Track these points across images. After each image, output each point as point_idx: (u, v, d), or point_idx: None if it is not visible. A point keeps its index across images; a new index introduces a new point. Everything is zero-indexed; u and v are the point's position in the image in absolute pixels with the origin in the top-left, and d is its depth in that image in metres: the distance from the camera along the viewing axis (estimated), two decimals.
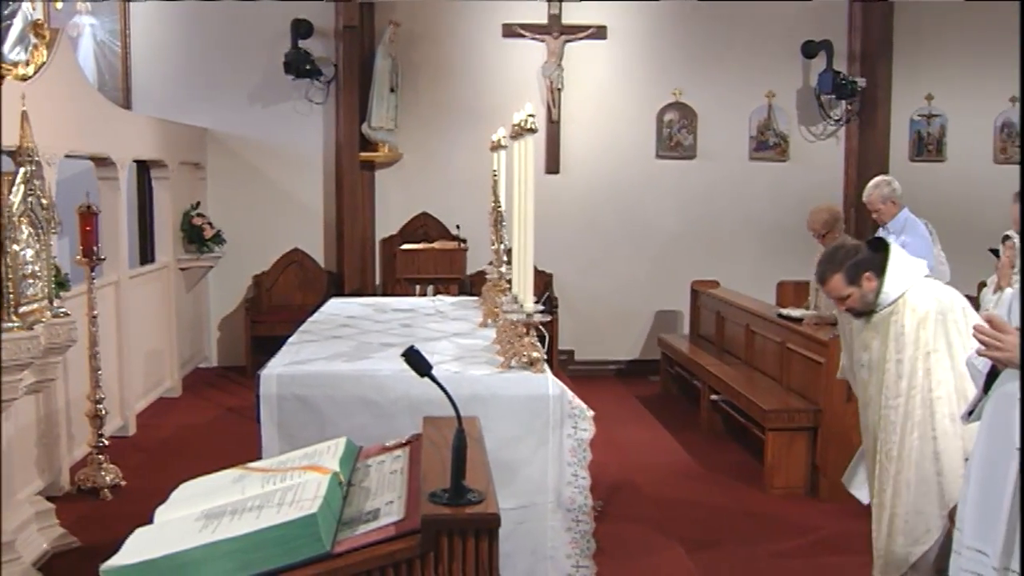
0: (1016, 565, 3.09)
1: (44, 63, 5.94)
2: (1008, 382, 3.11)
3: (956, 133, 10.74)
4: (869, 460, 4.43)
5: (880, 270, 4.18)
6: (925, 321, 4.09)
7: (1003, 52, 10.51)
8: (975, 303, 7.50)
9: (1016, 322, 3.23)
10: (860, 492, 4.70)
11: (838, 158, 10.62)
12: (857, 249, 4.25)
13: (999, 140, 10.76)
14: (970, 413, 3.40)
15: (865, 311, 4.24)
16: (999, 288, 6.37)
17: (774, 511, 6.21)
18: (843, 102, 10.44)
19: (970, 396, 3.59)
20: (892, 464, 4.15)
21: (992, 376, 3.25)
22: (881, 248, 4.25)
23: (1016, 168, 10.36)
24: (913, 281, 4.18)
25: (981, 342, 3.11)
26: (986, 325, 3.10)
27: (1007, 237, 5.79)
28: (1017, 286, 3.35)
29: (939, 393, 4.05)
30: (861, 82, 10.17)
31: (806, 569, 5.33)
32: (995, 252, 6.97)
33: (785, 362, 7.16)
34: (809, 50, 10.40)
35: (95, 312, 6.31)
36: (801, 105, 10.58)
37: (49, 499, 5.65)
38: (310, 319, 5.94)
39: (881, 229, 6.75)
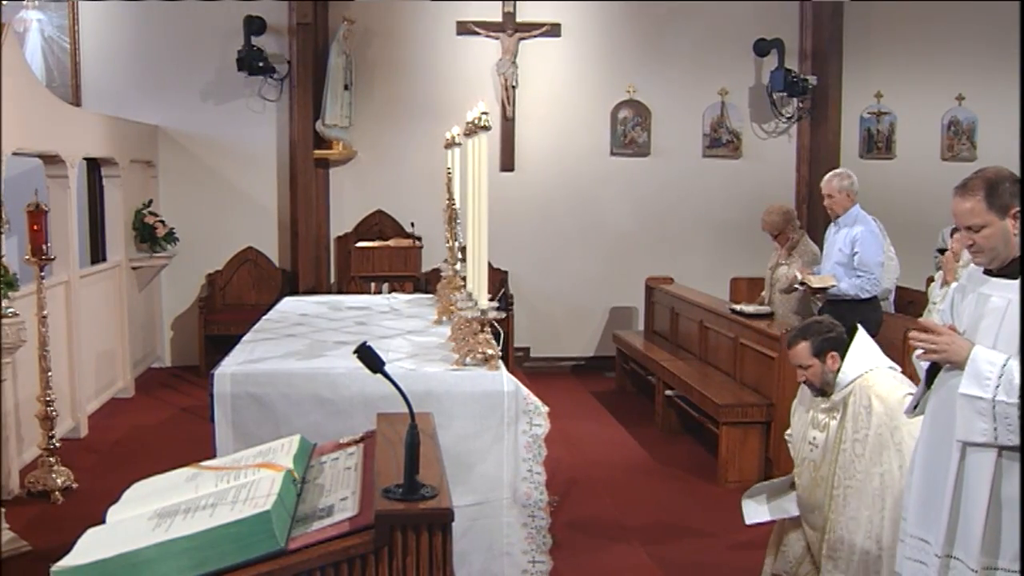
0: (958, 552, 3.17)
1: None
2: (950, 377, 3.19)
3: (905, 131, 10.91)
4: (815, 537, 4.34)
5: (840, 350, 4.19)
6: (894, 411, 3.99)
7: (950, 51, 10.72)
8: (923, 298, 7.65)
9: (958, 315, 3.31)
10: (754, 509, 4.65)
11: (790, 155, 10.74)
12: (833, 328, 4.27)
13: (946, 138, 10.95)
14: (915, 408, 3.48)
15: (821, 390, 4.24)
16: (945, 283, 6.50)
17: (728, 504, 6.26)
18: (795, 100, 10.56)
19: None
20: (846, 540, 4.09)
21: (933, 371, 3.33)
22: (852, 333, 4.28)
23: (962, 165, 10.53)
24: (873, 366, 4.17)
25: (918, 347, 3.22)
26: (924, 332, 3.20)
27: (955, 230, 5.90)
28: (962, 279, 3.42)
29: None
30: (812, 80, 10.29)
31: (758, 559, 5.39)
32: (942, 251, 7.10)
33: (738, 357, 7.24)
34: (761, 48, 10.51)
35: (45, 312, 6.22)
36: (753, 103, 10.69)
37: None
38: (264, 318, 5.91)
39: (832, 224, 6.85)
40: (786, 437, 4.71)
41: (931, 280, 7.42)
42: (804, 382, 4.29)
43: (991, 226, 3.12)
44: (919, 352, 3.26)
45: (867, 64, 10.67)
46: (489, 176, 4.50)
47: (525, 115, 10.36)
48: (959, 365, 3.11)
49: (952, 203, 3.21)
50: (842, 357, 4.18)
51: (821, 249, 7.20)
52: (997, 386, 3.01)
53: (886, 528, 3.91)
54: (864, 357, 4.21)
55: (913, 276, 8.62)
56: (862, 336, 4.26)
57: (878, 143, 10.90)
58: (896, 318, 7.36)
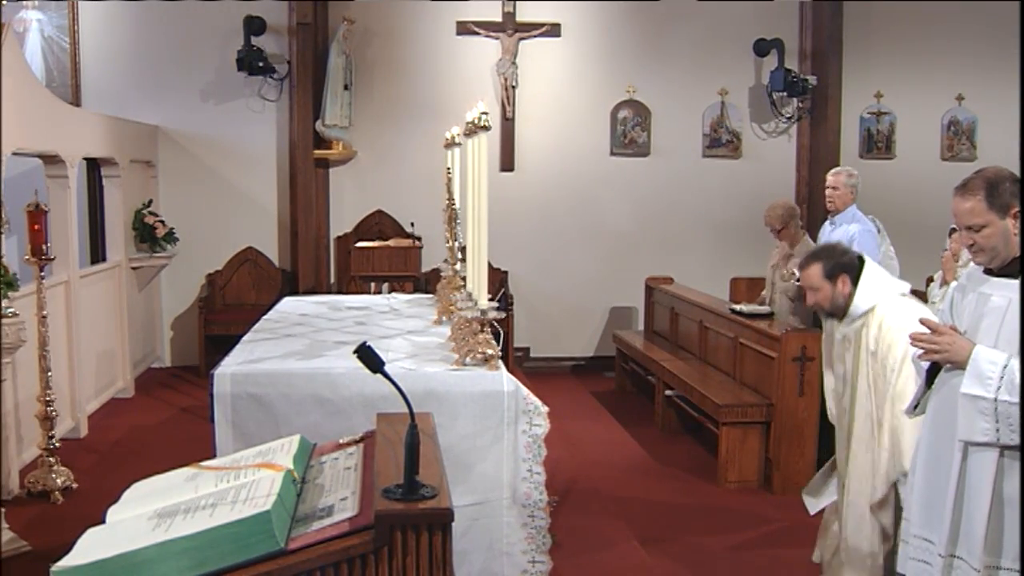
0: (961, 551, 3.17)
1: None
2: (951, 377, 3.19)
3: (904, 131, 10.91)
4: (841, 468, 4.47)
5: (856, 279, 4.23)
6: (894, 343, 4.06)
7: (950, 51, 10.72)
8: (923, 297, 7.65)
9: (958, 315, 3.32)
10: (812, 501, 4.77)
11: (790, 155, 10.74)
12: (845, 252, 4.32)
13: (946, 138, 10.95)
14: (915, 407, 3.48)
15: (833, 313, 4.30)
16: (945, 282, 6.51)
17: (728, 504, 6.28)
18: (794, 100, 10.56)
19: None
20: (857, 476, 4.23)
21: (933, 371, 3.34)
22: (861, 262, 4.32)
23: (962, 165, 10.53)
24: (886, 296, 4.20)
25: (919, 347, 3.22)
26: (925, 331, 3.20)
27: (954, 230, 5.91)
28: (962, 279, 3.42)
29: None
30: (812, 80, 10.29)
31: (760, 561, 5.39)
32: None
33: (738, 357, 7.23)
34: (761, 48, 10.51)
35: (45, 312, 6.22)
36: (753, 103, 10.69)
37: None
38: (264, 318, 5.91)
39: (828, 223, 6.87)
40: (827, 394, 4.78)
41: (931, 280, 7.42)
42: (814, 305, 4.36)
43: (991, 226, 3.13)
44: (919, 352, 3.27)
45: (867, 64, 10.67)
46: (489, 176, 4.50)
47: (525, 115, 10.35)
48: (960, 365, 3.11)
49: (952, 203, 3.21)
50: (854, 283, 4.21)
51: None
52: (999, 386, 3.01)
53: (882, 466, 4.09)
54: (875, 288, 4.23)
55: (913, 276, 8.58)
56: (871, 265, 4.30)
57: (878, 143, 10.90)
58: None
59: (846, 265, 4.26)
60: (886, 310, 4.14)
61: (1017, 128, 10.42)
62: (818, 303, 4.31)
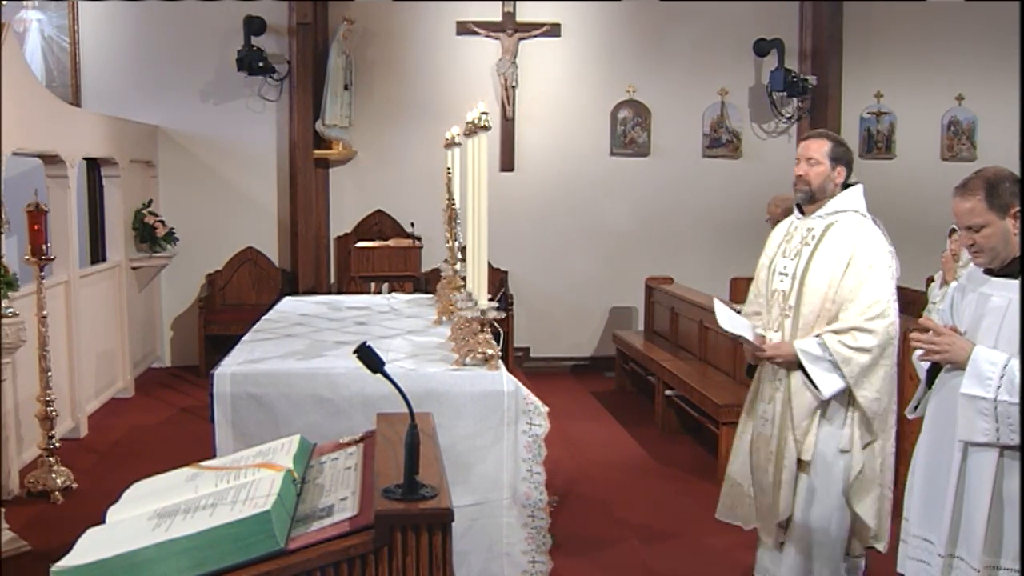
0: (961, 551, 3.17)
1: None
2: (951, 377, 3.20)
3: (904, 131, 10.91)
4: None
5: (847, 180, 4.27)
6: (873, 250, 4.15)
7: (950, 51, 10.72)
8: (923, 298, 7.64)
9: (959, 315, 3.32)
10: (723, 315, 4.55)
11: (790, 155, 10.60)
12: (851, 152, 4.33)
13: (946, 138, 10.95)
14: (915, 408, 3.49)
15: (813, 196, 4.26)
16: (945, 282, 6.50)
17: None
18: (794, 100, 10.56)
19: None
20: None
21: (934, 371, 3.34)
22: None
23: (962, 165, 10.53)
24: (865, 213, 4.26)
25: (919, 347, 3.22)
26: (927, 332, 3.21)
27: (953, 230, 5.91)
28: (962, 279, 3.43)
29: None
30: (812, 80, 10.29)
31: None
32: None
33: (738, 357, 7.22)
34: (761, 48, 10.51)
35: (45, 312, 6.22)
36: (753, 103, 10.69)
37: None
38: (264, 318, 5.91)
39: None
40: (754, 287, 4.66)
41: (931, 280, 7.41)
42: (800, 177, 4.28)
43: (991, 226, 3.13)
44: (920, 353, 3.28)
45: (867, 64, 10.67)
46: (489, 176, 4.50)
47: (525, 115, 10.36)
48: (960, 365, 3.12)
49: (952, 203, 3.21)
50: (847, 174, 4.26)
51: None
52: (999, 386, 3.01)
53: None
54: (859, 200, 4.28)
55: (913, 276, 8.60)
56: (860, 189, 4.32)
57: (878, 143, 10.91)
58: None
59: (850, 162, 4.30)
60: (864, 224, 4.19)
61: (1017, 128, 10.41)
62: (807, 176, 4.25)
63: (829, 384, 4.08)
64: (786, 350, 4.15)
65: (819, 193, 4.26)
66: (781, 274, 4.34)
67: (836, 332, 4.08)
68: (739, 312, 4.47)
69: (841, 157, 4.24)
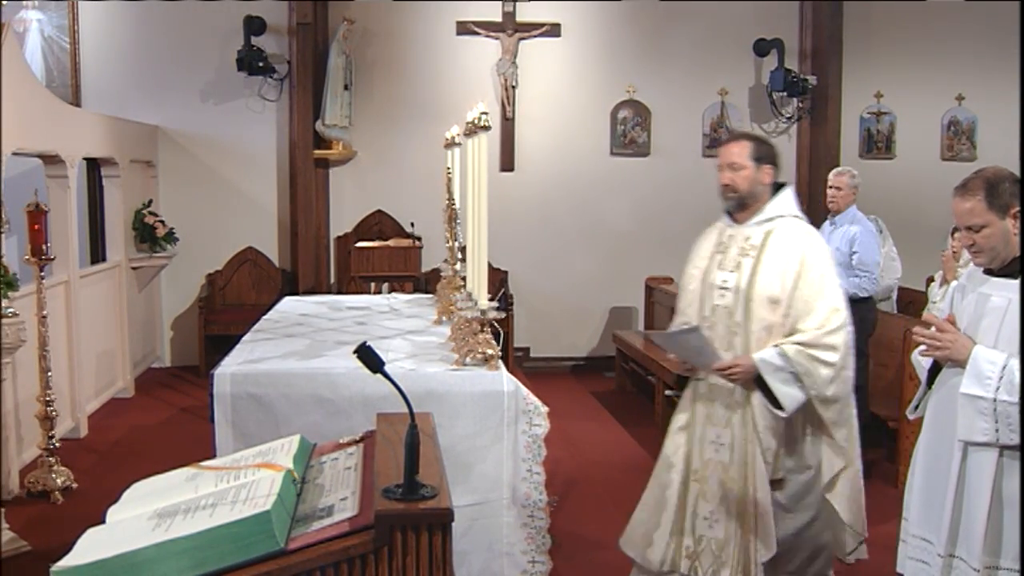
0: (961, 552, 3.17)
1: None
2: (951, 377, 3.20)
3: (904, 131, 10.91)
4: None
5: (776, 177, 4.09)
6: (822, 256, 3.96)
7: (950, 51, 10.72)
8: (923, 298, 7.66)
9: (958, 315, 3.32)
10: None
11: (790, 155, 10.73)
12: (776, 151, 4.14)
13: (946, 138, 10.95)
14: (916, 407, 3.49)
15: (743, 202, 4.06)
16: (945, 282, 6.51)
17: None
18: (794, 100, 10.56)
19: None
20: None
21: (934, 371, 3.34)
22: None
23: (962, 165, 10.53)
24: (793, 213, 4.08)
25: (923, 343, 3.22)
26: (930, 327, 3.21)
27: (955, 230, 5.91)
28: (962, 279, 3.43)
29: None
30: (812, 80, 10.29)
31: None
32: None
33: None
34: (761, 48, 10.51)
35: (45, 312, 6.22)
36: (753, 102, 10.69)
37: None
38: (264, 318, 5.91)
39: (828, 224, 6.87)
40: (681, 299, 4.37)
41: (931, 280, 7.42)
42: (727, 186, 4.07)
43: (991, 226, 3.13)
44: (922, 348, 3.27)
45: (867, 64, 10.67)
46: (489, 176, 4.50)
47: (525, 115, 10.36)
48: (961, 364, 3.11)
49: (952, 203, 3.21)
50: (775, 175, 4.09)
51: None
52: (998, 386, 3.01)
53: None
54: (791, 202, 4.11)
55: (913, 276, 8.63)
56: (791, 191, 4.17)
57: (878, 143, 10.91)
58: (895, 318, 7.37)
59: (775, 157, 4.10)
60: (806, 228, 4.04)
61: (1017, 128, 10.41)
62: (734, 183, 4.03)
63: (791, 398, 3.85)
64: (747, 362, 3.87)
65: (750, 198, 4.06)
66: (721, 288, 4.05)
67: (798, 344, 3.84)
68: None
69: (764, 155, 4.05)
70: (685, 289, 4.31)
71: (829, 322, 3.86)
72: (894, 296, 7.89)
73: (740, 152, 4.04)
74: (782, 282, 3.90)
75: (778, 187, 4.12)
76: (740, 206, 4.10)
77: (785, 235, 3.99)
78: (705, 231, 4.39)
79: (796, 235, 3.99)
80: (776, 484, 3.96)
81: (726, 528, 4.00)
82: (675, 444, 4.25)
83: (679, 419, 4.24)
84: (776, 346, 3.85)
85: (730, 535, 3.99)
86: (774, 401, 3.87)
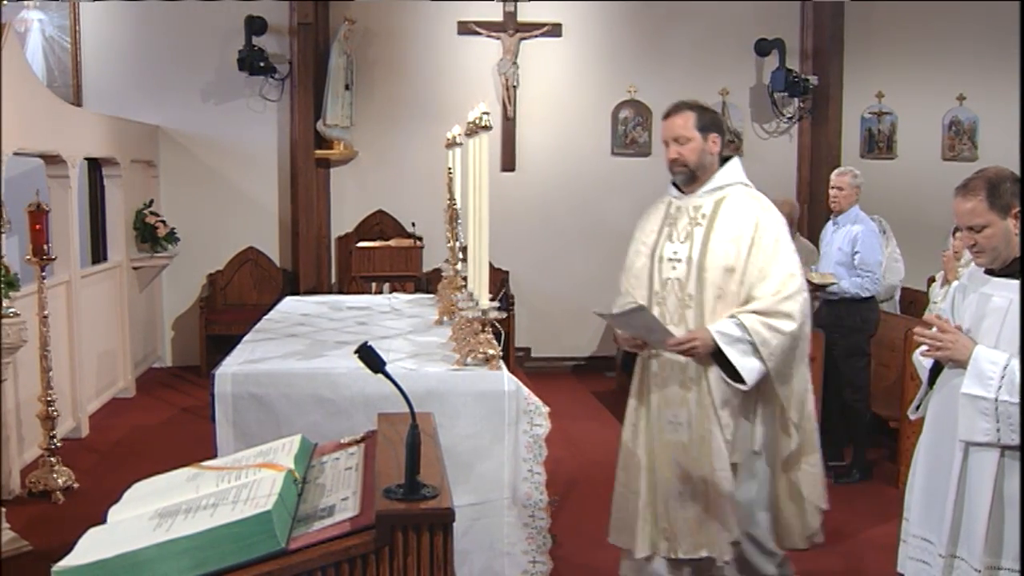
0: (962, 552, 3.17)
1: None
2: (952, 377, 3.20)
3: (906, 131, 10.90)
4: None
5: (723, 144, 4.02)
6: (775, 222, 3.87)
7: (951, 51, 10.71)
8: (924, 298, 7.65)
9: (960, 315, 3.32)
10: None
11: (791, 155, 10.74)
12: (720, 117, 4.09)
13: (947, 138, 10.94)
14: (917, 407, 3.49)
15: (694, 173, 3.98)
16: (946, 282, 6.51)
17: None
18: (796, 100, 10.56)
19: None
20: None
21: (936, 371, 3.34)
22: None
23: (963, 165, 10.52)
24: (743, 181, 4.02)
25: (925, 343, 3.22)
26: (931, 327, 3.21)
27: (957, 230, 5.91)
28: (963, 279, 3.43)
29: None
30: (813, 80, 10.28)
31: None
32: None
33: None
34: (762, 48, 10.51)
35: (46, 312, 6.22)
36: (754, 102, 10.69)
37: None
38: (265, 318, 5.91)
39: (831, 223, 6.87)
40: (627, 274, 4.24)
41: (932, 280, 7.42)
42: (675, 160, 4.01)
43: (992, 226, 3.13)
44: (924, 349, 3.27)
45: (868, 64, 10.66)
46: (490, 176, 4.50)
47: (526, 115, 10.35)
48: (962, 364, 3.11)
49: (953, 203, 3.21)
50: (722, 144, 4.02)
51: (816, 247, 7.21)
52: (999, 386, 3.01)
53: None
54: (742, 174, 4.04)
55: (914, 276, 8.61)
56: (738, 161, 4.10)
57: (879, 143, 10.90)
58: (897, 318, 7.37)
59: (720, 125, 4.02)
60: (757, 196, 3.95)
61: (1018, 128, 10.41)
62: (681, 157, 3.96)
63: (750, 370, 3.72)
64: (704, 335, 3.74)
65: (700, 170, 3.98)
66: (672, 260, 3.94)
67: (754, 311, 3.73)
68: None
69: (709, 124, 3.95)
70: (630, 268, 4.18)
71: (785, 287, 3.75)
72: (896, 296, 7.89)
73: (685, 124, 3.97)
74: (736, 249, 3.80)
75: (725, 160, 4.06)
76: (691, 179, 4.02)
77: (737, 203, 3.90)
78: (649, 208, 4.28)
79: (748, 203, 3.90)
80: (733, 468, 3.87)
81: (695, 508, 3.92)
82: (633, 430, 4.17)
83: (632, 403, 4.15)
84: (732, 316, 3.74)
85: (701, 514, 3.91)
86: (732, 375, 3.75)
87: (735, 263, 3.79)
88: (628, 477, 4.20)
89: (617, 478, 4.27)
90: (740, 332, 3.69)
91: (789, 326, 3.71)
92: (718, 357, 3.75)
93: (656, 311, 3.92)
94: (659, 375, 3.98)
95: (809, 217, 10.20)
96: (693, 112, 3.98)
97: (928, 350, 3.26)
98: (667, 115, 4.10)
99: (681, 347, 3.75)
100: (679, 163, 3.99)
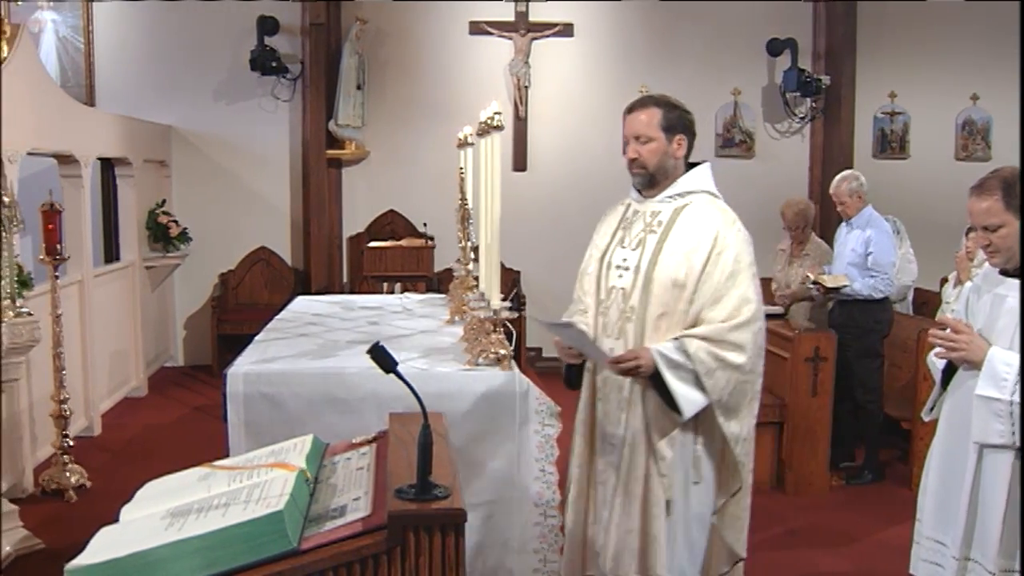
0: (975, 554, 3.16)
1: (5, 59, 5.87)
2: (966, 379, 3.18)
3: (919, 130, 10.86)
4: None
5: (691, 148, 3.61)
6: (738, 239, 3.44)
7: (963, 50, 10.66)
8: (937, 298, 7.62)
9: (973, 315, 3.30)
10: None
11: (803, 155, 10.71)
12: (690, 112, 3.63)
13: (960, 138, 10.89)
14: (931, 409, 3.47)
15: (654, 177, 3.59)
16: (959, 283, 6.47)
17: None
18: (808, 100, 10.52)
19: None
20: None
21: (949, 373, 3.32)
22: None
23: (976, 165, 10.48)
24: (709, 189, 3.61)
25: (939, 345, 3.20)
26: (945, 328, 3.19)
27: (971, 230, 5.88)
28: (977, 280, 3.41)
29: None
30: (825, 80, 10.25)
31: (773, 562, 5.37)
32: None
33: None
34: (774, 48, 10.48)
35: (59, 311, 6.25)
36: (766, 102, 10.66)
37: (13, 501, 5.57)
38: (277, 317, 5.91)
39: (844, 224, 6.84)
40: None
41: (945, 281, 7.38)
42: (634, 161, 3.63)
43: (1008, 226, 3.11)
44: (938, 350, 3.26)
45: (881, 64, 10.62)
46: (502, 176, 4.50)
47: (537, 115, 10.35)
48: (976, 365, 3.10)
49: (968, 203, 3.19)
50: (688, 145, 3.59)
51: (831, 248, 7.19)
52: (1014, 388, 2.99)
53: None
54: (710, 182, 3.62)
55: (927, 277, 8.58)
56: (708, 168, 3.69)
57: (892, 143, 10.86)
58: (910, 319, 7.34)
59: (690, 125, 3.57)
60: (721, 207, 3.52)
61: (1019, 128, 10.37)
62: (640, 158, 3.57)
63: (689, 401, 3.32)
64: (647, 355, 3.32)
65: (660, 174, 3.57)
66: (619, 268, 3.56)
67: (700, 337, 3.32)
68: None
69: (676, 124, 3.53)
70: (583, 273, 3.87)
71: (739, 314, 3.34)
72: (909, 297, 7.86)
73: (648, 121, 3.56)
74: (689, 264, 3.38)
75: (693, 166, 3.66)
76: (649, 183, 3.62)
77: (699, 212, 3.48)
78: (609, 209, 3.89)
79: (711, 213, 3.46)
80: (667, 506, 3.44)
81: (628, 538, 3.51)
82: (577, 443, 3.73)
83: (578, 416, 3.74)
84: (677, 338, 3.34)
85: (633, 547, 3.50)
86: (671, 402, 3.35)
87: (685, 279, 3.38)
88: (573, 495, 3.75)
89: (568, 494, 3.80)
90: (682, 358, 3.30)
91: (737, 358, 3.33)
92: (657, 381, 3.35)
93: (600, 321, 3.59)
94: (602, 390, 3.60)
95: (821, 217, 10.16)
96: (659, 109, 3.57)
97: (942, 351, 3.24)
98: (630, 110, 3.69)
99: (621, 366, 3.36)
100: (637, 164, 3.61)
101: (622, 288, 3.51)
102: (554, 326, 3.51)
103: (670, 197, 3.56)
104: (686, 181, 3.58)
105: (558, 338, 3.60)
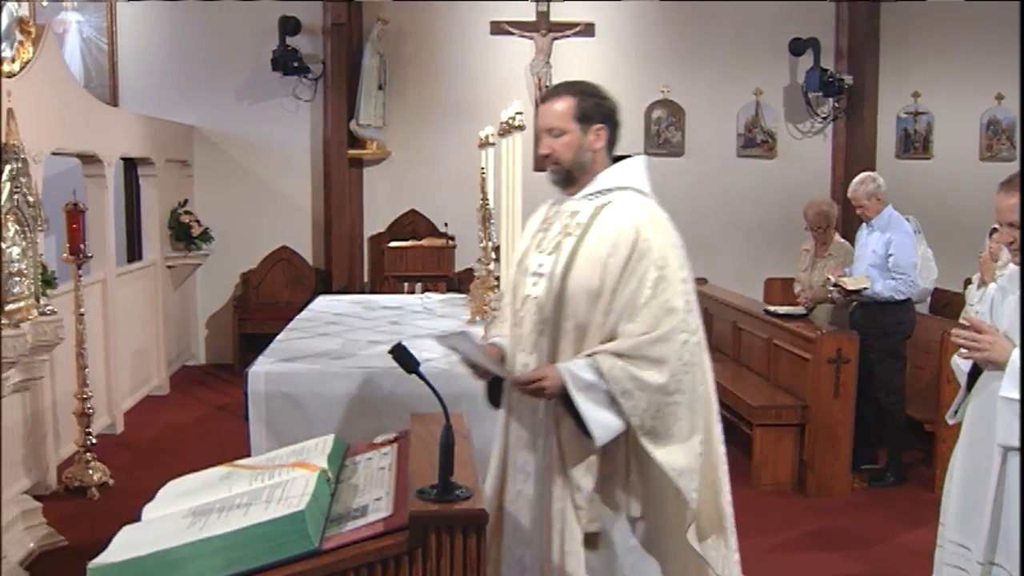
0: (1000, 559, 3.13)
1: (30, 60, 5.91)
2: (991, 381, 3.15)
3: (942, 130, 10.78)
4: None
5: (613, 139, 3.18)
6: (663, 242, 3.07)
7: (988, 50, 10.56)
8: (960, 300, 7.56)
9: (998, 317, 3.27)
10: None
11: (825, 155, 10.65)
12: (612, 99, 3.19)
13: (984, 138, 10.80)
14: (955, 412, 3.44)
15: (570, 173, 3.19)
16: (983, 284, 6.42)
17: (762, 507, 6.23)
18: (830, 99, 10.47)
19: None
20: None
21: (974, 375, 3.29)
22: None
23: (1001, 165, 10.40)
24: (646, 191, 3.16)
25: (962, 345, 3.17)
26: (966, 328, 3.16)
27: (994, 230, 5.83)
28: (1002, 281, 3.37)
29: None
30: (848, 79, 10.20)
31: (794, 564, 5.35)
32: None
33: (772, 359, 7.18)
34: (796, 47, 10.43)
35: (82, 310, 6.29)
36: (788, 102, 10.61)
37: (36, 498, 5.63)
38: (298, 316, 5.94)
39: (865, 225, 6.80)
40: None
41: (968, 282, 7.33)
42: (547, 157, 3.23)
43: None
44: (961, 351, 3.23)
45: (904, 63, 10.55)
46: (523, 176, 4.50)
47: None
48: (1000, 366, 3.07)
49: (996, 199, 3.16)
50: (610, 136, 3.16)
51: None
52: None
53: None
54: (636, 173, 3.17)
55: (950, 278, 8.52)
56: (641, 162, 3.24)
57: (915, 143, 10.79)
58: (932, 320, 7.29)
59: (609, 113, 3.15)
60: (647, 206, 3.10)
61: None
62: (554, 153, 3.17)
63: (602, 426, 2.90)
64: (555, 374, 2.93)
65: (577, 170, 3.16)
66: (535, 275, 3.13)
67: (615, 353, 2.91)
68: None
69: (593, 113, 3.11)
70: (507, 282, 3.47)
71: (659, 326, 2.93)
72: (930, 298, 7.80)
73: (563, 112, 3.12)
74: (605, 270, 2.97)
75: (621, 158, 3.22)
76: (566, 180, 3.21)
77: (619, 211, 3.05)
78: (535, 209, 3.45)
79: (632, 212, 3.04)
80: (590, 540, 3.01)
81: None
82: (491, 468, 3.33)
83: (499, 439, 3.33)
84: (590, 354, 2.94)
85: None
86: (584, 425, 2.94)
87: (601, 286, 2.97)
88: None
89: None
90: (594, 377, 2.89)
91: (657, 377, 2.89)
92: (569, 403, 2.94)
93: (515, 333, 3.19)
94: (516, 410, 3.20)
95: (843, 218, 10.10)
96: (573, 98, 3.12)
97: (966, 351, 3.22)
98: (543, 100, 3.27)
99: (527, 386, 2.99)
100: (551, 160, 3.21)
101: (536, 297, 3.09)
102: (443, 338, 3.04)
103: (590, 195, 3.15)
104: (608, 177, 3.15)
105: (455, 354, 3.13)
